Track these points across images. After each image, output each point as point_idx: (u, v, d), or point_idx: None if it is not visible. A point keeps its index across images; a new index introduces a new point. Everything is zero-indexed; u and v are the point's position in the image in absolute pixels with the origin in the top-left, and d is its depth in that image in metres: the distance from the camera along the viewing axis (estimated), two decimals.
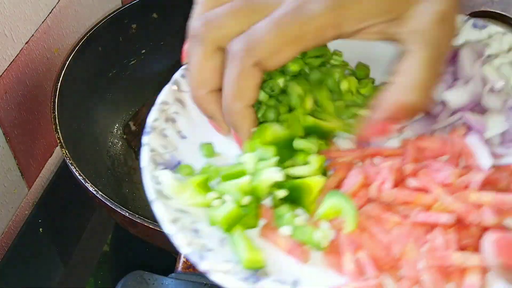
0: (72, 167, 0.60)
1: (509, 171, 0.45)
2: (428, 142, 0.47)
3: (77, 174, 0.59)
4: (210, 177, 0.45)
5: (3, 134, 0.68)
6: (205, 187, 0.45)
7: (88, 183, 0.59)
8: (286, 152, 0.46)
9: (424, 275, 0.39)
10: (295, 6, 0.40)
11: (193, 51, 0.43)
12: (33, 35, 0.70)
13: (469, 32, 0.55)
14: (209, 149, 0.48)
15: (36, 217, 0.76)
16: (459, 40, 0.55)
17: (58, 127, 0.63)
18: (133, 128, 0.77)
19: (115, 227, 0.79)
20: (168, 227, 0.41)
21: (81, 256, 0.75)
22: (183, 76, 0.51)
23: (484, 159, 0.45)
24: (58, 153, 0.82)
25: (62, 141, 0.62)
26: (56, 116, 0.64)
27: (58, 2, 0.73)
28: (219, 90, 0.43)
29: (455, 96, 0.49)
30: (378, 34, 0.43)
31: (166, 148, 0.48)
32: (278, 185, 0.43)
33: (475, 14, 1.06)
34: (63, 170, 0.80)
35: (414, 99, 0.42)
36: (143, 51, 0.81)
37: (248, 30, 0.40)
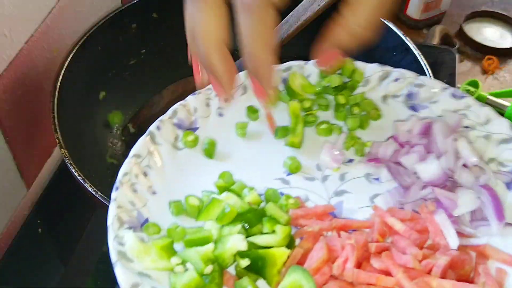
0: (71, 167, 0.60)
1: (477, 252, 0.45)
2: (397, 216, 0.46)
3: (76, 175, 0.59)
4: (175, 240, 0.45)
5: (3, 134, 0.68)
6: (169, 251, 0.44)
7: (87, 183, 0.59)
8: (254, 217, 0.46)
9: None
10: None
11: (197, 9, 0.45)
12: (32, 35, 0.70)
13: (446, 102, 0.55)
14: (177, 207, 0.48)
15: (36, 217, 0.76)
16: (436, 110, 0.55)
17: (57, 127, 0.63)
18: (132, 130, 0.77)
19: None
20: None
21: (81, 256, 0.75)
22: (158, 128, 0.52)
23: (450, 240, 0.44)
24: (57, 153, 0.82)
25: (61, 141, 0.62)
26: (56, 116, 0.64)
27: (58, 2, 0.73)
28: (225, 44, 0.46)
29: (427, 170, 0.48)
30: None
31: (134, 204, 0.47)
32: (242, 254, 0.43)
33: (475, 14, 1.06)
34: (62, 170, 0.80)
35: (363, 34, 0.47)
36: (143, 51, 0.81)
37: None
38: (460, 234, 0.45)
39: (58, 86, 0.66)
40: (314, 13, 0.49)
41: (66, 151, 0.61)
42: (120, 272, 0.42)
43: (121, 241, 0.44)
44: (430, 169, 0.48)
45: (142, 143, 0.50)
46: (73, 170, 0.60)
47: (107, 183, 0.73)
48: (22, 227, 0.75)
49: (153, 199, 0.48)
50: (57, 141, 0.62)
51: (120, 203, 0.46)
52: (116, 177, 0.48)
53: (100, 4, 0.84)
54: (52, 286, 0.72)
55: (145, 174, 0.49)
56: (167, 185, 0.49)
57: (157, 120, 0.52)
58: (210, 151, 0.52)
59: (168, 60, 0.81)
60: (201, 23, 0.45)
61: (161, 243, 0.44)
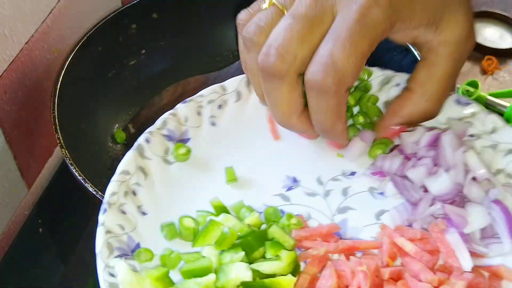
0: (72, 168, 0.60)
1: (489, 273, 0.43)
2: (406, 236, 0.44)
3: (77, 175, 0.59)
4: (170, 268, 0.42)
5: (3, 134, 0.68)
6: (165, 281, 0.41)
7: (88, 184, 0.59)
8: (255, 241, 0.43)
9: None
10: (358, 16, 0.41)
11: (275, 87, 0.44)
12: (33, 35, 0.70)
13: (451, 109, 0.52)
14: (171, 231, 0.44)
15: (36, 217, 0.76)
16: (440, 118, 0.52)
17: (58, 127, 0.63)
18: (132, 131, 0.77)
19: None
20: None
21: (81, 256, 0.75)
22: (147, 140, 0.48)
23: (464, 261, 0.42)
24: (58, 153, 0.82)
25: (62, 141, 0.62)
26: (56, 116, 0.64)
27: (58, 2, 0.73)
28: (304, 110, 0.46)
29: (436, 184, 0.46)
30: (412, 38, 0.46)
31: (124, 228, 0.43)
32: (246, 284, 0.40)
33: (475, 14, 1.05)
34: (63, 170, 0.80)
35: (431, 109, 0.47)
36: (143, 51, 0.81)
37: (323, 55, 0.41)
38: (471, 253, 0.43)
39: (58, 86, 0.66)
40: None
41: (66, 151, 0.61)
42: None
43: (112, 271, 0.41)
44: (440, 183, 0.46)
45: (130, 158, 0.47)
46: (73, 170, 0.60)
47: (107, 184, 0.73)
48: (23, 227, 0.75)
49: (144, 220, 0.45)
50: (58, 141, 0.62)
51: (109, 227, 0.43)
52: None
53: (100, 4, 0.84)
54: (52, 286, 0.72)
55: (134, 193, 0.46)
56: (158, 205, 0.46)
57: (145, 131, 0.49)
58: (231, 177, 0.49)
59: (168, 61, 0.81)
60: (280, 101, 0.45)
61: (156, 274, 0.40)
